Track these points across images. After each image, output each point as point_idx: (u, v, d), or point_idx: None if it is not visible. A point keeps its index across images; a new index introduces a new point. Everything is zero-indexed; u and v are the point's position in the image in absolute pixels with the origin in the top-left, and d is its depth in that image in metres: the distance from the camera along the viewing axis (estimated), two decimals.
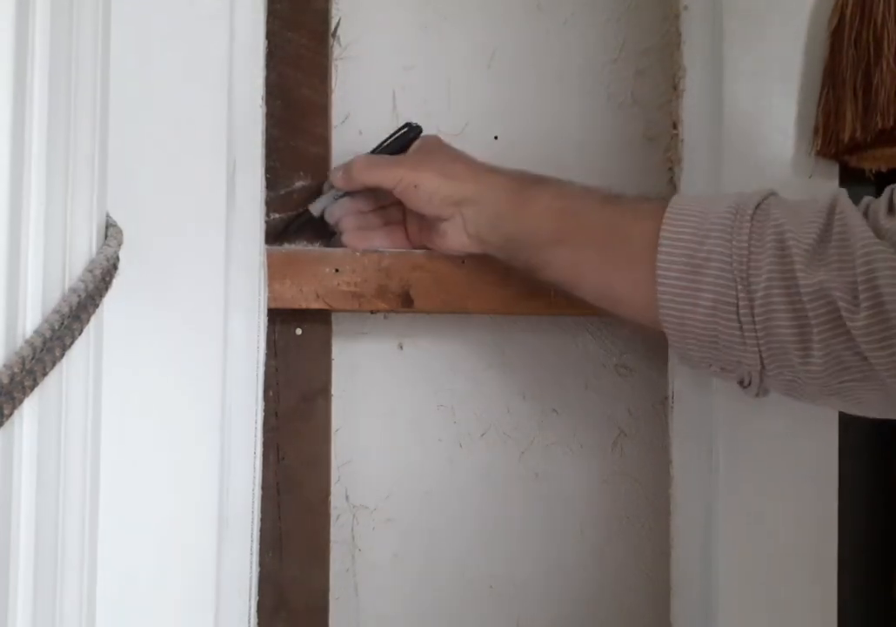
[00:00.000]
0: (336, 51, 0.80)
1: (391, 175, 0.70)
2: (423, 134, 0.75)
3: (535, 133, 0.81)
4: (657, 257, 0.61)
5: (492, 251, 0.70)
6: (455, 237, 0.70)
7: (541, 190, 0.67)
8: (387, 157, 0.73)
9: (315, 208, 0.75)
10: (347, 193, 0.74)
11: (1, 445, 0.46)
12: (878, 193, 0.76)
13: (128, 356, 0.62)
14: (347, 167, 0.72)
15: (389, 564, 0.82)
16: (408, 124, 0.75)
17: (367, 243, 0.74)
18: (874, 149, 0.71)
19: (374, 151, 0.75)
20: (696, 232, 0.61)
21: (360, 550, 0.82)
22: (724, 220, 0.60)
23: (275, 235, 0.74)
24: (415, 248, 0.75)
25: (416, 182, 0.69)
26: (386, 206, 0.75)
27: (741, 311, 0.59)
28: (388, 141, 0.75)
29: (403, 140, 0.74)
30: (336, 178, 0.73)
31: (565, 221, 0.66)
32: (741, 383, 0.63)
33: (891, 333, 0.54)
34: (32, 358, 0.46)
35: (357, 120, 0.81)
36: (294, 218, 0.76)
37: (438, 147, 0.74)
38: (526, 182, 0.68)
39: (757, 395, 0.64)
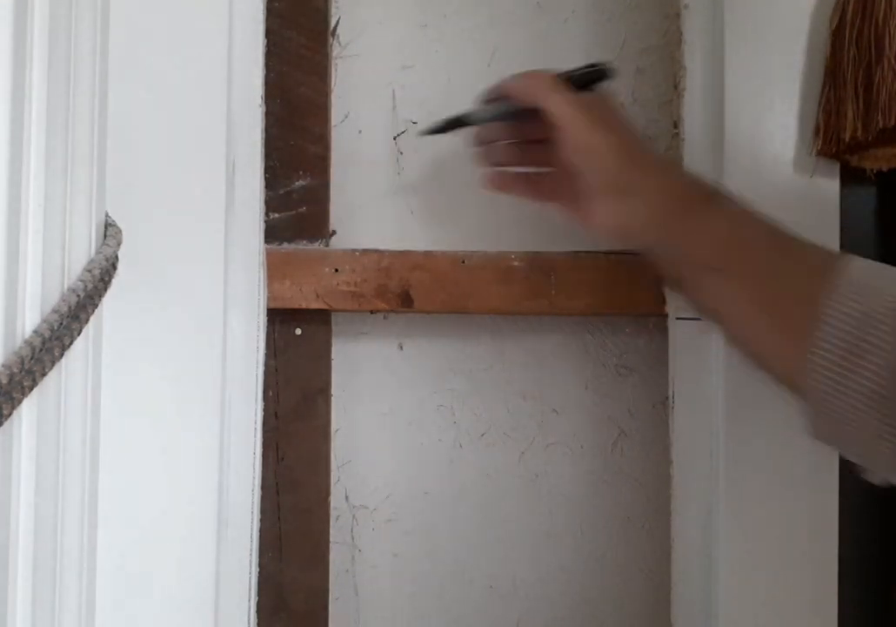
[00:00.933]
0: (335, 49, 0.80)
1: (573, 117, 0.62)
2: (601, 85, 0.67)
3: None
4: (819, 330, 0.55)
5: (636, 247, 0.65)
6: (603, 219, 0.64)
7: (712, 208, 0.62)
8: (565, 91, 0.64)
9: (473, 118, 0.69)
10: (505, 117, 0.68)
11: (0, 445, 0.46)
12: (879, 193, 0.76)
13: (127, 356, 0.62)
14: (535, 83, 0.65)
15: (389, 564, 0.82)
16: (597, 64, 0.67)
17: (506, 189, 0.70)
18: (875, 148, 0.71)
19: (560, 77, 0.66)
20: (866, 314, 0.55)
21: (359, 550, 0.82)
22: None
23: (428, 129, 0.70)
24: (548, 202, 0.69)
25: (590, 143, 0.62)
26: (533, 142, 0.68)
27: None
28: (577, 73, 0.66)
29: (588, 79, 0.66)
30: (516, 87, 0.66)
31: (729, 251, 0.61)
32: (868, 470, 0.58)
33: None
34: (31, 358, 0.46)
35: (356, 119, 0.81)
36: (448, 123, 0.70)
37: (621, 122, 0.66)
38: (700, 193, 0.63)
39: (878, 484, 0.58)
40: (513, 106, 0.66)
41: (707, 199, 0.63)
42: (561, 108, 0.63)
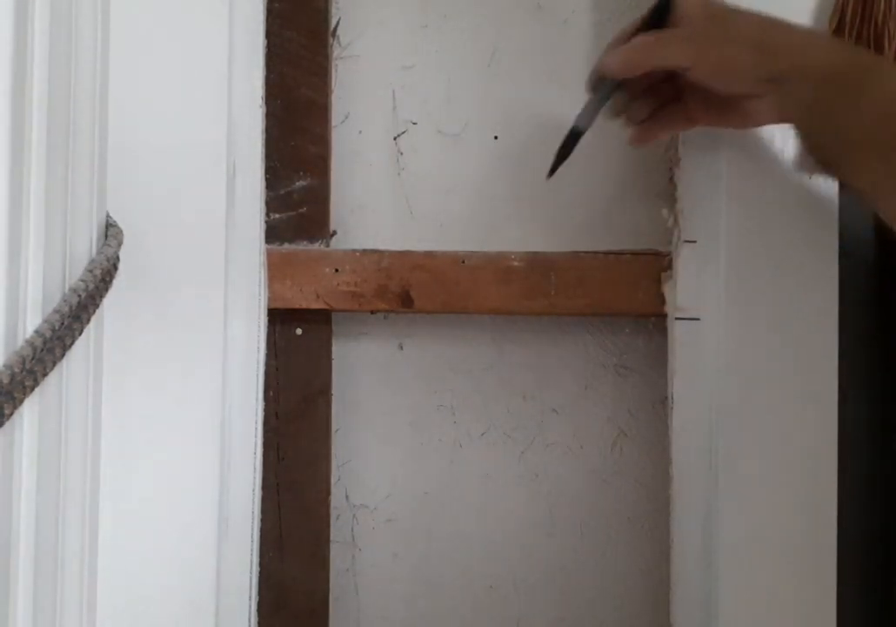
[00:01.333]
0: (336, 50, 0.80)
1: (687, 53, 0.60)
2: None
3: (535, 133, 0.81)
4: None
5: (797, 131, 0.62)
6: (761, 118, 0.63)
7: (877, 80, 0.57)
8: (674, 32, 0.62)
9: (583, 122, 0.66)
10: (614, 90, 0.65)
11: (1, 445, 0.46)
12: None
13: (128, 356, 0.62)
14: (627, 52, 0.62)
15: (389, 564, 0.82)
16: None
17: (652, 137, 0.68)
18: None
19: (641, 30, 0.63)
20: None
21: (360, 550, 0.82)
22: None
23: (551, 168, 0.66)
24: (699, 125, 0.67)
25: (722, 60, 0.59)
26: (656, 84, 0.65)
27: None
28: (649, 14, 0.63)
29: (662, 7, 0.62)
30: (612, 66, 0.63)
31: (886, 131, 0.56)
32: None
33: None
34: (33, 358, 0.46)
35: (357, 119, 0.81)
36: (565, 145, 0.66)
37: (732, 11, 0.61)
38: (860, 65, 0.59)
39: None
40: (609, 85, 0.64)
41: (869, 68, 0.59)
42: (672, 56, 0.61)
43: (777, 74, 0.59)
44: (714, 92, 0.62)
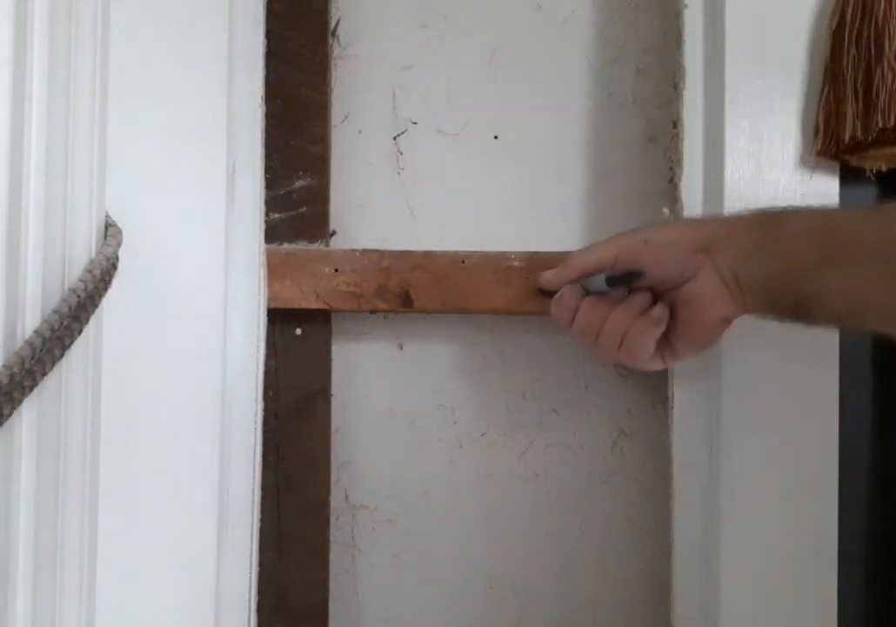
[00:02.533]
0: (335, 50, 0.80)
1: (615, 248, 0.63)
2: None
3: (535, 133, 0.81)
4: None
5: (757, 297, 0.61)
6: (713, 293, 0.62)
7: (783, 217, 0.60)
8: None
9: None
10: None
11: (0, 445, 0.46)
12: (878, 193, 0.76)
13: (127, 356, 0.62)
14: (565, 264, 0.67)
15: (389, 564, 0.82)
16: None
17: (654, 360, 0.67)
18: (875, 148, 0.71)
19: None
20: None
21: (359, 550, 0.82)
22: None
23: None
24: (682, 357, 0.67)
25: (645, 238, 0.62)
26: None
27: None
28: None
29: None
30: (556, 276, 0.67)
31: (828, 238, 0.57)
32: None
33: None
34: (32, 358, 0.46)
35: (356, 119, 0.81)
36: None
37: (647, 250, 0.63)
38: (763, 214, 0.61)
39: None
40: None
41: (771, 213, 0.61)
42: (596, 255, 0.65)
43: (705, 240, 0.61)
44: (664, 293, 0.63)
